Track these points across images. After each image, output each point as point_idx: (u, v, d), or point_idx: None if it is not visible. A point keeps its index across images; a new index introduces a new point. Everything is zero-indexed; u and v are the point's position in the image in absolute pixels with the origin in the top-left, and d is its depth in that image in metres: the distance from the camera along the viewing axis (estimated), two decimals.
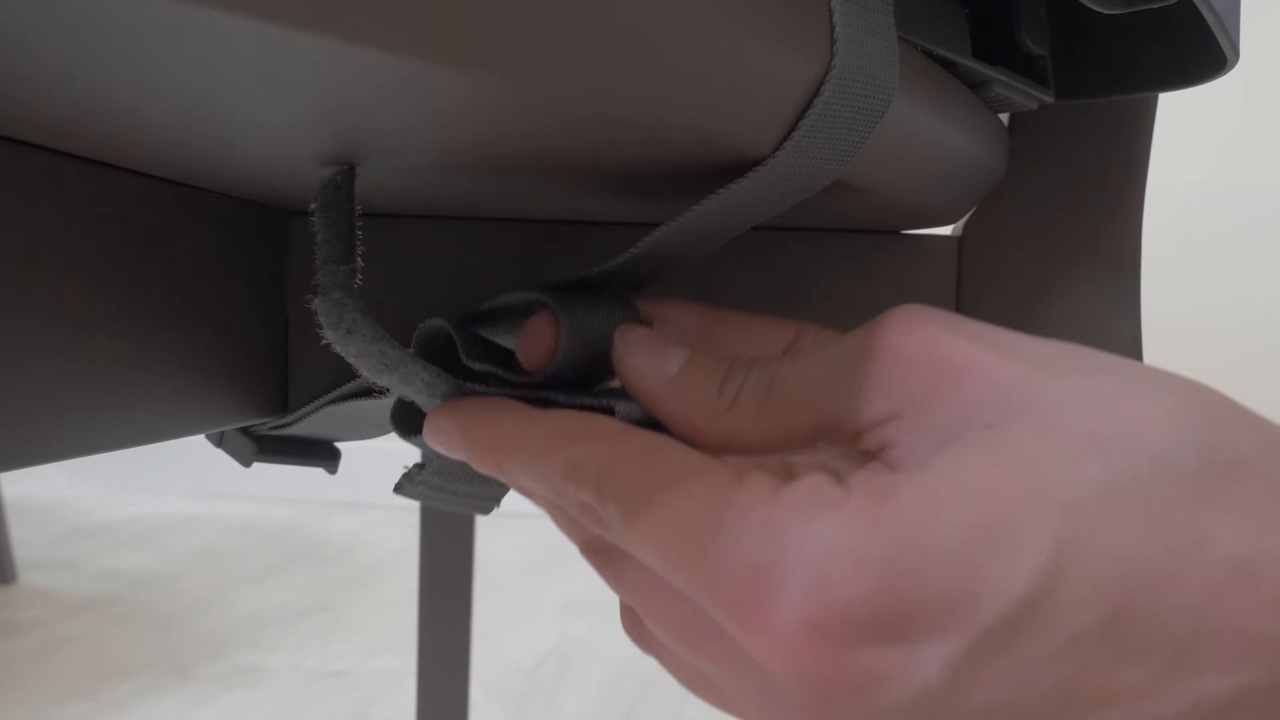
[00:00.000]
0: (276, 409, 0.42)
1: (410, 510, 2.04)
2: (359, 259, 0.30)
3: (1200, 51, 0.40)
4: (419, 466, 0.36)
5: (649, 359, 0.30)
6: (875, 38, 0.28)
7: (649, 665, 1.38)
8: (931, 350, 0.26)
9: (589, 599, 1.64)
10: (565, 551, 1.88)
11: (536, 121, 0.24)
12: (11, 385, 0.29)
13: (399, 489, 0.36)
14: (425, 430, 0.32)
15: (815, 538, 0.23)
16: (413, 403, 0.33)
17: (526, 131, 0.25)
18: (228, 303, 0.38)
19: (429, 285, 0.42)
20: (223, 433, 0.47)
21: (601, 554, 0.30)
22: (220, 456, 0.49)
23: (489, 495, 0.37)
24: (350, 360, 0.30)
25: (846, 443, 0.27)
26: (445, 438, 0.31)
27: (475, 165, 0.30)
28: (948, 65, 0.36)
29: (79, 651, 1.41)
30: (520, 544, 1.94)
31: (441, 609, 1.02)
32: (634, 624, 0.31)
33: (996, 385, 0.25)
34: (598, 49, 0.21)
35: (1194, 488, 0.23)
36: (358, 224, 0.30)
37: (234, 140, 0.28)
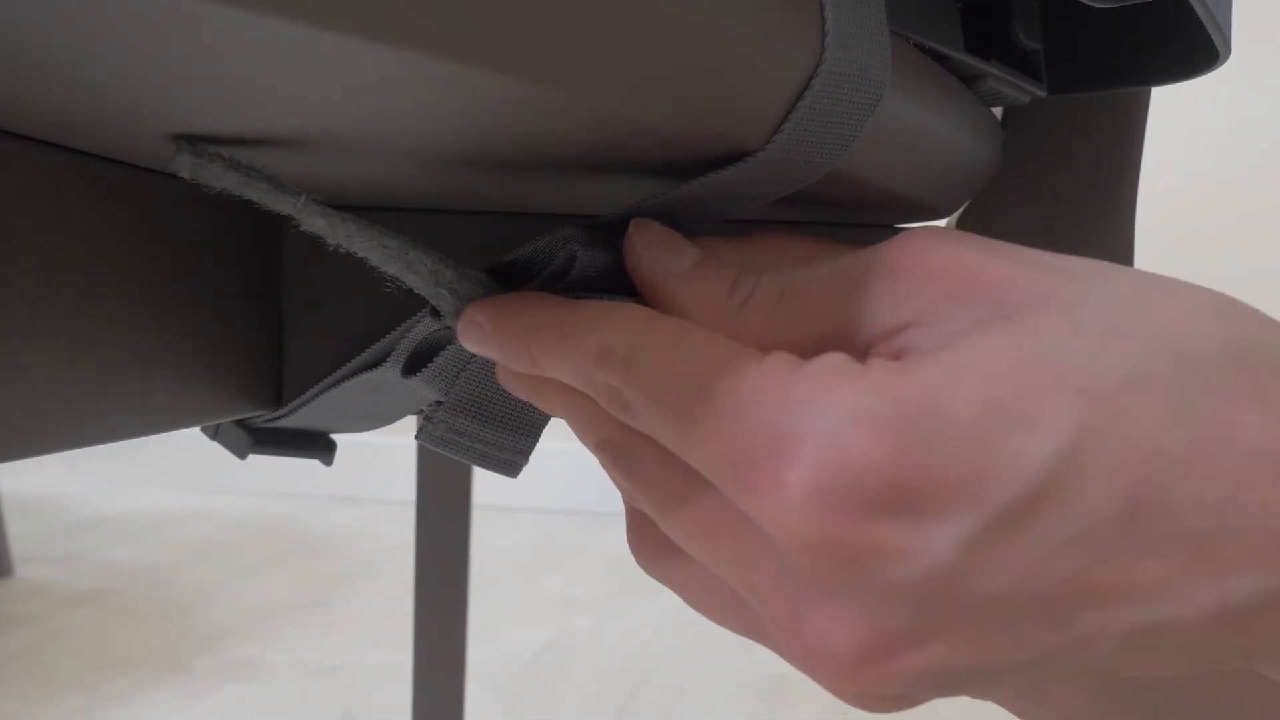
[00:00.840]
0: (272, 401, 0.42)
1: (408, 505, 2.04)
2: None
3: (1193, 45, 0.40)
4: (437, 404, 0.35)
5: (662, 252, 0.30)
6: (866, 32, 0.28)
7: (646, 660, 1.38)
8: (951, 261, 0.26)
9: (586, 594, 1.65)
10: (562, 546, 1.88)
11: (542, 121, 0.24)
12: (7, 376, 0.29)
13: (420, 433, 0.36)
14: (459, 329, 0.32)
15: (831, 406, 0.23)
16: (420, 346, 0.34)
17: (526, 131, 0.25)
18: (223, 294, 0.38)
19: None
20: (218, 425, 0.47)
21: (616, 448, 0.29)
22: (217, 450, 0.49)
23: (515, 446, 0.36)
24: (362, 255, 0.30)
25: (858, 355, 0.26)
26: (478, 332, 0.31)
27: (471, 161, 0.30)
28: (941, 59, 0.37)
29: (76, 645, 1.42)
30: (517, 538, 1.94)
31: (437, 603, 1.02)
32: (640, 537, 0.31)
33: (1017, 288, 0.25)
34: (605, 46, 0.21)
35: (1219, 381, 0.23)
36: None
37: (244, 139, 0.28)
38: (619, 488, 0.30)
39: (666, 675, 1.34)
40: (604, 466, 0.30)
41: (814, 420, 0.23)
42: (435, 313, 0.33)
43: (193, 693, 1.27)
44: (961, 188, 0.42)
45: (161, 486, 2.26)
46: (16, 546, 1.74)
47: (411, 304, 0.41)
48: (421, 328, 0.36)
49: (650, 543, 0.31)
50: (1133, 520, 0.22)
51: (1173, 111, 0.93)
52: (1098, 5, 0.33)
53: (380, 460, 1.89)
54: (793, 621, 0.24)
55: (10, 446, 0.29)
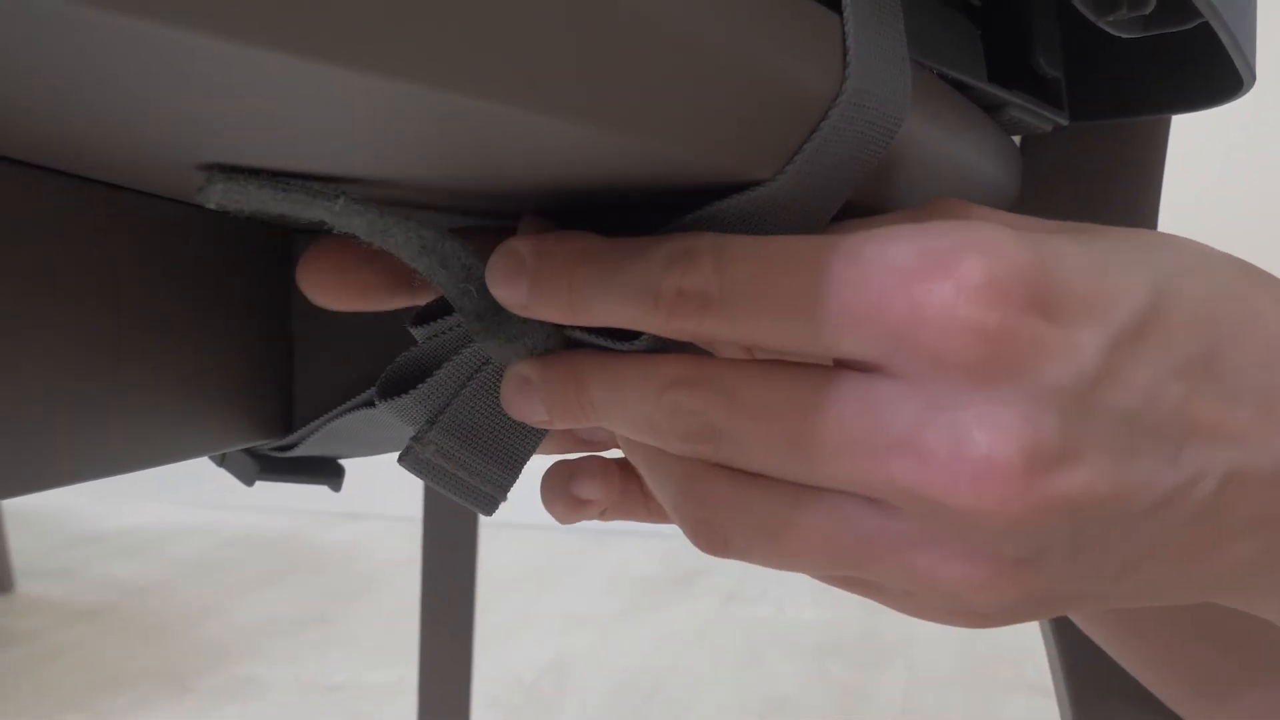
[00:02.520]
0: (281, 429, 0.42)
1: (410, 521, 2.04)
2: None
3: (1216, 74, 0.40)
4: (429, 423, 0.34)
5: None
6: (886, 62, 0.27)
7: (648, 678, 1.38)
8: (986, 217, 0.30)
9: (589, 611, 1.64)
10: (565, 563, 1.88)
11: (557, 151, 0.24)
12: (12, 408, 0.28)
13: (405, 456, 0.34)
14: (494, 262, 0.29)
15: (973, 228, 0.25)
16: (402, 367, 0.33)
17: (541, 161, 0.25)
18: (233, 323, 0.38)
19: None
20: (224, 453, 0.46)
21: (693, 373, 0.27)
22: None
23: (498, 480, 0.35)
24: (396, 250, 0.29)
25: None
26: (514, 262, 0.28)
27: (482, 186, 0.30)
28: (963, 88, 0.36)
29: (76, 661, 1.41)
30: (520, 555, 1.93)
31: (443, 620, 1.01)
32: (705, 492, 0.28)
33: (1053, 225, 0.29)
34: (627, 75, 0.21)
35: (1237, 279, 0.27)
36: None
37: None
38: (683, 436, 0.27)
39: (668, 694, 1.34)
40: (669, 414, 0.27)
41: (967, 233, 0.24)
42: (432, 315, 0.33)
43: (193, 711, 1.27)
44: None
45: (162, 501, 2.25)
46: (18, 561, 1.74)
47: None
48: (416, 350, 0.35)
49: (722, 489, 0.28)
50: (1210, 366, 0.25)
51: (1180, 120, 0.92)
52: (1122, 34, 0.33)
53: (381, 476, 1.88)
54: (953, 444, 0.24)
55: (15, 482, 0.29)
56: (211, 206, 0.27)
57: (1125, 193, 0.45)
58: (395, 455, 0.37)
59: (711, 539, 0.28)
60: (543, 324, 0.30)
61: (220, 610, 1.63)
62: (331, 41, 0.16)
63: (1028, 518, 0.24)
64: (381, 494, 2.06)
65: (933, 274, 0.24)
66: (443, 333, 0.33)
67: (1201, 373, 0.25)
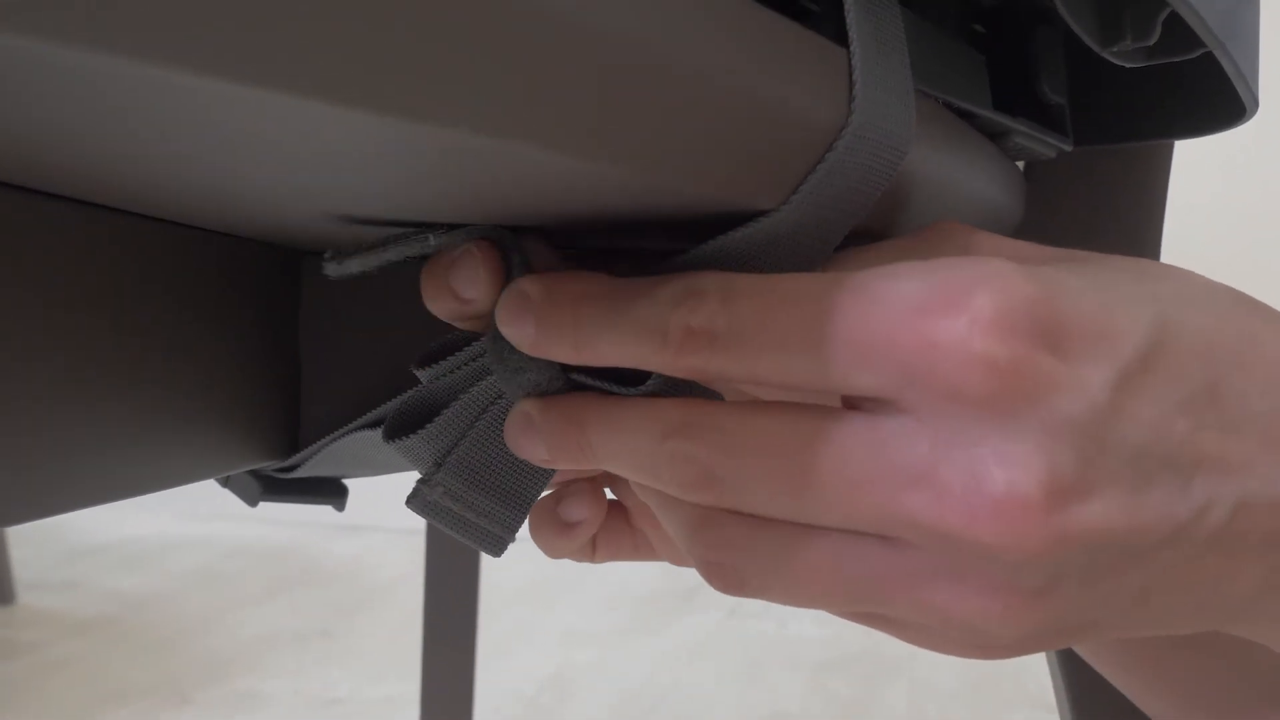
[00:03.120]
0: (287, 450, 0.42)
1: (411, 534, 2.04)
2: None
3: (1219, 100, 0.40)
4: (436, 465, 0.34)
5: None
6: (892, 95, 0.27)
7: (650, 693, 1.38)
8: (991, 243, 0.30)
9: (591, 626, 1.64)
10: (567, 578, 1.87)
11: (575, 187, 0.24)
12: (20, 435, 0.28)
13: (413, 498, 0.34)
14: (504, 300, 0.29)
15: (981, 264, 0.25)
16: (408, 408, 0.33)
17: (557, 195, 0.25)
18: (239, 345, 0.38)
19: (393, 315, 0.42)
20: (229, 474, 0.46)
21: (697, 416, 0.27)
22: None
23: (506, 521, 0.35)
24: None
25: None
26: (522, 303, 0.29)
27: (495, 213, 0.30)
28: (967, 115, 0.36)
29: (77, 674, 1.41)
30: (522, 569, 1.93)
31: (445, 633, 1.01)
32: (716, 536, 0.28)
33: (1049, 253, 0.30)
34: (638, 112, 0.21)
35: (1236, 307, 0.27)
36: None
37: (292, 206, 0.28)
38: (682, 485, 0.27)
39: (670, 708, 1.33)
40: (668, 461, 0.27)
41: (976, 269, 0.25)
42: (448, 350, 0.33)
43: None
44: None
45: (164, 513, 2.25)
46: (19, 573, 1.74)
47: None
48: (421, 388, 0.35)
49: (730, 531, 0.27)
50: (1214, 396, 0.25)
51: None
52: (1126, 64, 0.33)
53: (384, 489, 1.88)
54: (970, 479, 0.24)
55: (19, 509, 0.29)
56: (338, 276, 0.30)
57: (1129, 216, 0.45)
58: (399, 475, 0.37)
59: (726, 580, 0.28)
60: (548, 362, 0.31)
61: (222, 623, 1.63)
62: (402, 100, 0.16)
63: (1046, 550, 0.24)
64: (384, 507, 2.06)
65: (945, 309, 0.24)
66: (449, 373, 0.33)
67: (1206, 404, 0.25)
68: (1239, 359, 0.26)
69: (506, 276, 0.30)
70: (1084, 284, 0.26)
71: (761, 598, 0.27)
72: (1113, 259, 0.29)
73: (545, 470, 0.34)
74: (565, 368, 0.31)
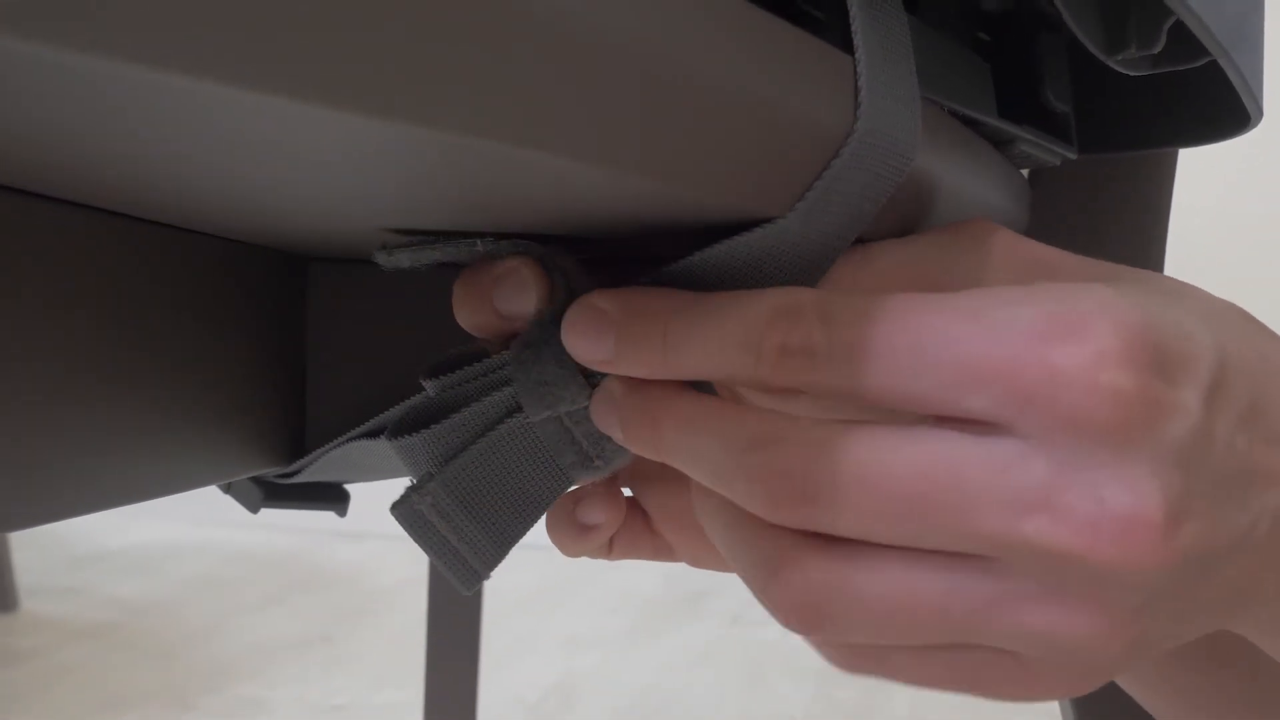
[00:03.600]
0: (291, 456, 0.42)
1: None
2: None
3: (1223, 108, 0.40)
4: (430, 475, 0.33)
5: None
6: (897, 103, 0.27)
7: (654, 700, 1.37)
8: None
9: (593, 633, 1.64)
10: (570, 585, 1.87)
11: (572, 193, 0.24)
12: (22, 441, 0.28)
13: (400, 505, 0.33)
14: (576, 315, 0.29)
15: (1087, 291, 0.25)
16: (414, 412, 0.32)
17: (557, 202, 0.25)
18: (243, 351, 0.38)
19: (400, 321, 0.42)
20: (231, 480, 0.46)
21: (775, 437, 0.26)
22: None
23: (485, 555, 0.34)
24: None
25: None
26: (599, 318, 0.28)
27: (499, 220, 0.30)
28: (972, 123, 0.36)
29: (80, 680, 1.41)
30: (524, 577, 1.93)
31: (449, 640, 1.01)
32: (801, 578, 0.26)
33: (1074, 267, 0.31)
34: (656, 125, 0.21)
35: (1248, 325, 0.28)
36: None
37: (310, 213, 0.28)
38: (770, 500, 0.26)
39: (673, 715, 1.33)
40: (751, 474, 0.26)
41: (1089, 297, 0.25)
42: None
43: None
44: None
45: (166, 519, 2.25)
46: (22, 579, 1.74)
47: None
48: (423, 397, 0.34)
49: (819, 572, 0.26)
50: (1255, 412, 0.26)
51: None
52: (1130, 72, 0.33)
53: (387, 495, 1.88)
54: (1095, 502, 0.24)
55: (21, 515, 0.29)
56: (390, 268, 0.31)
57: (1133, 224, 0.45)
58: (400, 480, 0.36)
59: (807, 624, 0.27)
60: (576, 379, 0.30)
61: (224, 630, 1.63)
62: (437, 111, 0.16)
63: (1161, 568, 0.24)
64: (387, 513, 2.06)
65: (1069, 336, 0.24)
66: (458, 385, 0.33)
67: (1253, 420, 0.26)
68: (1263, 378, 0.27)
69: (550, 296, 0.30)
70: (1160, 306, 0.26)
71: (846, 637, 0.27)
72: (1133, 273, 0.30)
73: (538, 511, 0.33)
74: (591, 385, 0.30)
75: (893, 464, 0.25)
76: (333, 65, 0.15)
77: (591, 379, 0.31)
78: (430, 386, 0.33)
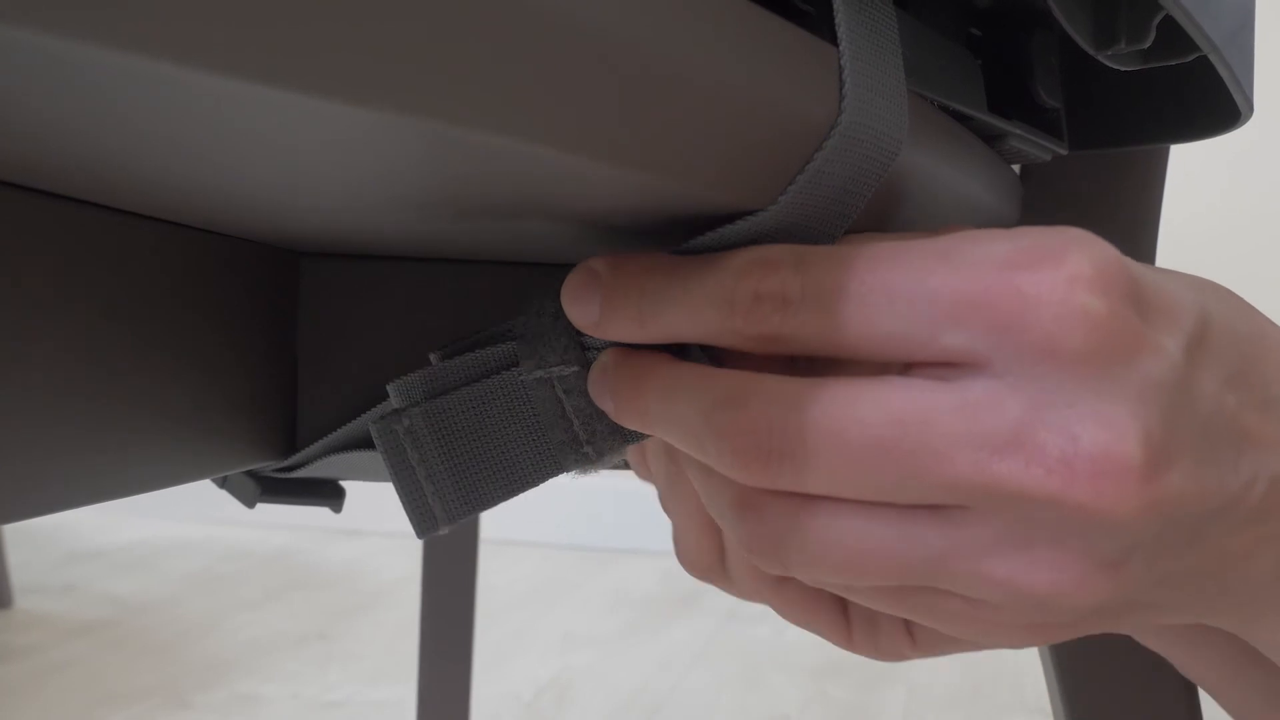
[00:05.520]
0: (285, 450, 0.42)
1: (409, 537, 2.03)
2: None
3: (1213, 104, 0.40)
4: (414, 402, 0.32)
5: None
6: (883, 96, 0.28)
7: (649, 698, 1.37)
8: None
9: (589, 630, 1.64)
10: (565, 582, 1.87)
11: (557, 185, 0.24)
12: (16, 434, 0.28)
13: (379, 422, 0.32)
14: (573, 277, 0.29)
15: (1065, 230, 0.25)
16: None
17: (543, 193, 0.25)
18: (237, 344, 0.38)
19: (407, 326, 0.42)
20: (226, 475, 0.46)
21: (747, 389, 0.26)
22: None
23: (449, 502, 0.32)
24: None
25: None
26: (590, 278, 0.29)
27: (487, 216, 0.30)
28: (963, 118, 0.36)
29: (75, 677, 1.41)
30: (519, 573, 1.93)
31: (443, 638, 1.01)
32: (761, 512, 0.27)
33: None
34: (631, 111, 0.21)
35: (1236, 301, 0.28)
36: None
37: (296, 206, 0.28)
38: (735, 458, 0.26)
39: (668, 713, 1.33)
40: (716, 433, 0.26)
41: (1064, 232, 0.25)
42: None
43: None
44: None
45: (162, 517, 2.25)
46: (17, 576, 1.74)
47: (423, 354, 0.41)
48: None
49: (784, 508, 0.26)
50: (1247, 379, 0.26)
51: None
52: (1120, 67, 0.33)
53: (381, 492, 1.88)
54: (1068, 441, 0.23)
55: (15, 507, 0.29)
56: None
57: (1124, 220, 0.45)
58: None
59: (770, 557, 0.27)
60: (566, 336, 0.30)
61: (220, 626, 1.63)
62: (426, 102, 0.16)
63: (1138, 515, 0.24)
64: (382, 510, 2.06)
65: (1041, 264, 0.24)
66: (459, 350, 0.33)
67: (1243, 385, 0.26)
68: (1256, 348, 0.27)
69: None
70: (1140, 272, 0.26)
71: (807, 573, 0.27)
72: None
73: (518, 482, 0.33)
74: (584, 350, 0.30)
75: (862, 413, 0.25)
76: (333, 57, 0.16)
77: (587, 350, 0.31)
78: (435, 358, 0.33)
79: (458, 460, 0.32)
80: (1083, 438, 0.23)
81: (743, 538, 0.27)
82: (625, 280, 0.28)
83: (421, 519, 0.32)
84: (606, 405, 0.30)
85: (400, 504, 0.33)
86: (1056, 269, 0.24)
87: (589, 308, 0.29)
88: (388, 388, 0.33)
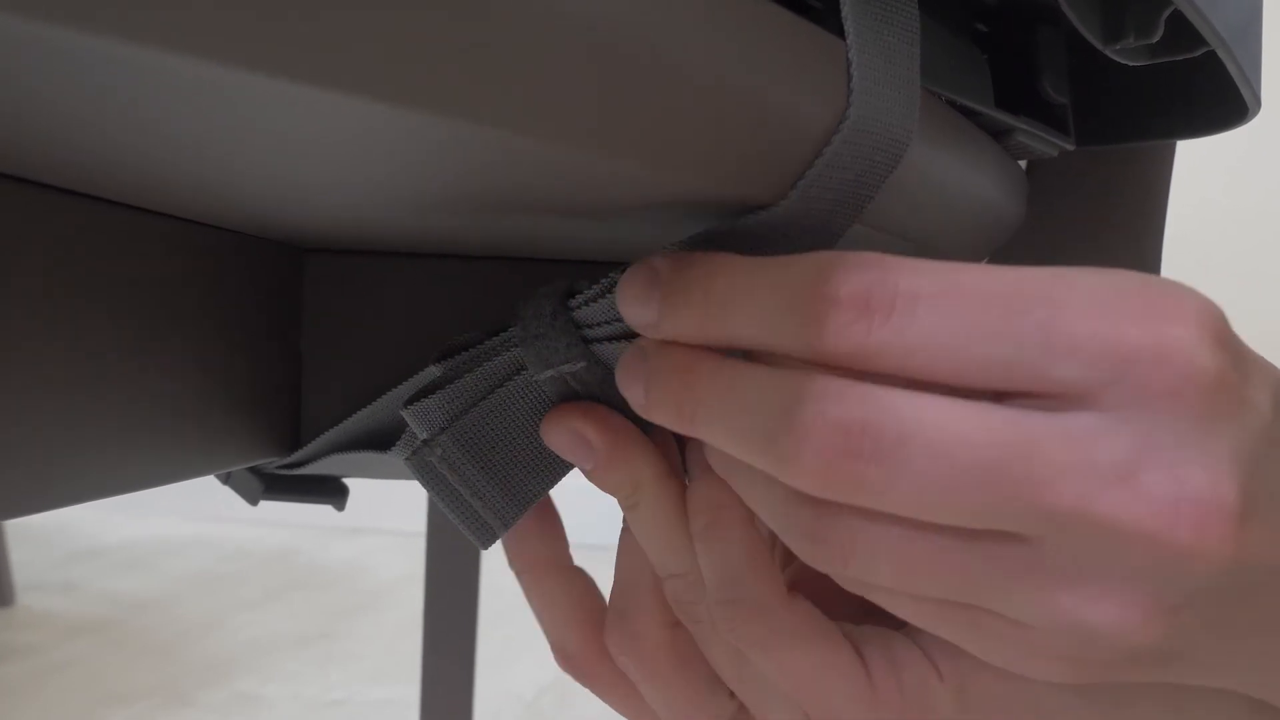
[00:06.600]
0: (289, 446, 0.42)
1: (411, 536, 2.04)
2: None
3: (1221, 100, 0.40)
4: (440, 429, 0.32)
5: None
6: (894, 90, 0.27)
7: None
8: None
9: None
10: None
11: (566, 179, 0.24)
12: (19, 429, 0.28)
13: (413, 456, 0.32)
14: (632, 275, 0.28)
15: (1172, 285, 0.24)
16: (427, 386, 0.32)
17: (551, 188, 0.25)
18: (241, 341, 0.38)
19: (418, 321, 0.42)
20: (230, 471, 0.46)
21: (847, 396, 0.24)
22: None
23: (499, 510, 0.33)
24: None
25: None
26: (648, 273, 0.27)
27: (493, 210, 0.30)
28: (970, 114, 0.36)
29: (77, 676, 1.41)
30: None
31: (445, 637, 1.01)
32: (833, 524, 0.25)
33: None
34: (637, 106, 0.21)
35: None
36: None
37: (302, 201, 0.28)
38: (820, 464, 0.24)
39: None
40: (790, 438, 0.24)
41: (1175, 287, 0.24)
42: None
43: None
44: (986, 240, 0.41)
45: (163, 515, 2.25)
46: (19, 575, 1.74)
47: (427, 349, 0.41)
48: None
49: (857, 524, 0.25)
50: None
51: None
52: (1128, 62, 0.33)
53: (383, 491, 1.88)
54: (1175, 482, 0.23)
55: (18, 502, 0.29)
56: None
57: (1131, 216, 0.45)
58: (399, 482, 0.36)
59: (832, 555, 0.25)
60: (568, 333, 0.30)
61: (221, 625, 1.63)
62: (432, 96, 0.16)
63: (1228, 561, 0.23)
64: (385, 509, 2.06)
65: (1172, 315, 0.24)
66: (464, 363, 0.33)
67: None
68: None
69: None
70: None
71: (859, 580, 0.26)
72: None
73: (550, 468, 0.33)
74: (586, 344, 0.30)
75: (967, 430, 0.23)
76: (332, 49, 0.15)
77: (591, 344, 0.31)
78: (438, 368, 0.33)
79: (496, 470, 0.33)
80: (1189, 481, 0.23)
81: (798, 535, 0.26)
82: (689, 281, 0.26)
83: (480, 533, 0.33)
84: (635, 394, 0.28)
85: (453, 520, 0.33)
86: (1184, 323, 0.23)
87: (647, 308, 0.27)
88: (404, 414, 0.33)
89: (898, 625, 0.31)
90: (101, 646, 1.52)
